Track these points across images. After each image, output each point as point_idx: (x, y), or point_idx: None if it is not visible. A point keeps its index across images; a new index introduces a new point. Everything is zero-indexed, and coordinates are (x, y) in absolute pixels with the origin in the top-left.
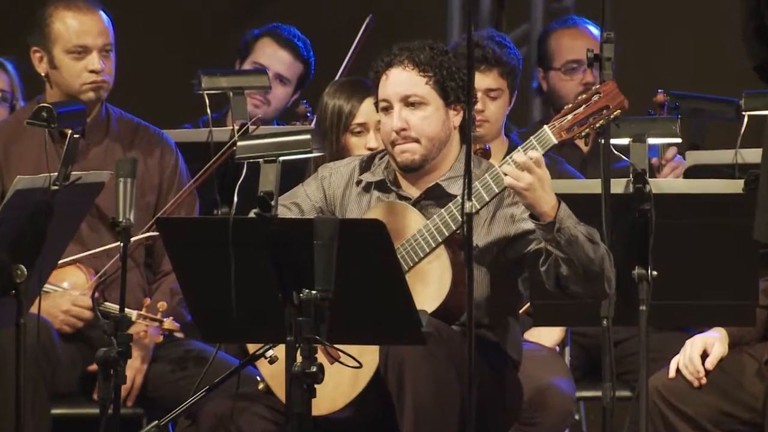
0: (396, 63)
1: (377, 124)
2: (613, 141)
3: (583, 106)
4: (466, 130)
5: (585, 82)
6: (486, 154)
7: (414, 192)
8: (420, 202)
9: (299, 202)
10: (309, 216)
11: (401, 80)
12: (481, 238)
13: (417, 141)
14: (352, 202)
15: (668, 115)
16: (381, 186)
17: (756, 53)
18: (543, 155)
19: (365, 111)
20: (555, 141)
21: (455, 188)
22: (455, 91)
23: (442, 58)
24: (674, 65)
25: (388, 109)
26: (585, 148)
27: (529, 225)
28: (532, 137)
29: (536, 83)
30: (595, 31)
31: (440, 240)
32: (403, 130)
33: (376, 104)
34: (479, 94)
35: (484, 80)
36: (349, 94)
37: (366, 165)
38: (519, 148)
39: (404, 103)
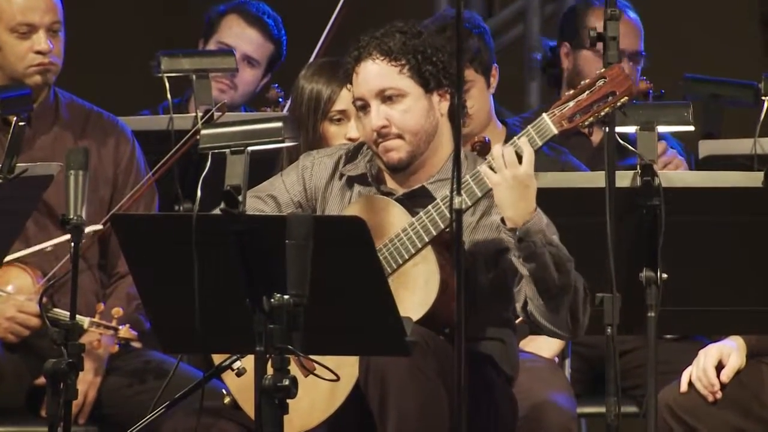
0: (364, 56)
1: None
2: (619, 130)
3: (587, 92)
4: (455, 121)
5: None
6: (485, 147)
7: (398, 188)
8: (402, 203)
9: (276, 195)
10: (286, 211)
11: (373, 74)
12: (471, 241)
13: (401, 137)
14: (334, 197)
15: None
16: (363, 180)
17: None
18: (543, 146)
19: (346, 97)
20: (555, 131)
21: (442, 192)
22: (435, 76)
23: (414, 42)
24: (688, 46)
25: (365, 108)
26: (595, 140)
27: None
28: (529, 126)
29: (541, 56)
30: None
31: (427, 240)
32: (385, 127)
33: (354, 103)
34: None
35: None
36: (329, 77)
37: (352, 155)
38: (515, 138)
39: (381, 99)
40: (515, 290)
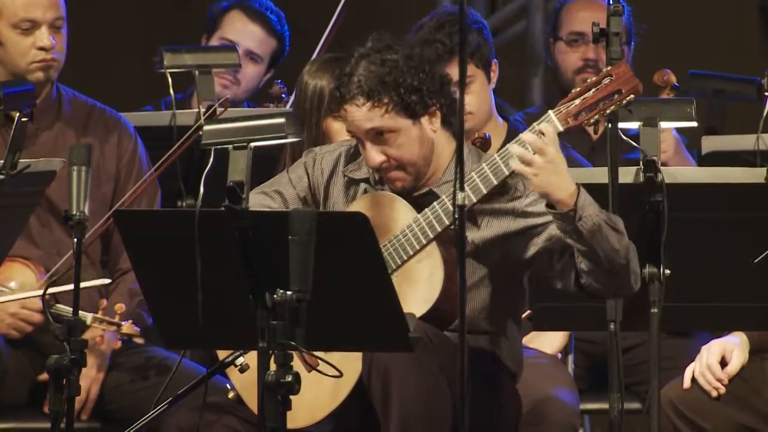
0: (347, 100)
1: None
2: (622, 125)
3: (593, 90)
4: (458, 120)
5: (586, 57)
6: (486, 143)
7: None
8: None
9: (282, 190)
10: (293, 206)
11: (359, 118)
12: (478, 234)
13: (401, 168)
14: (338, 193)
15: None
16: (367, 182)
17: None
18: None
19: None
20: (561, 128)
21: (450, 193)
22: (420, 102)
23: (393, 76)
24: (690, 43)
25: (361, 141)
26: (594, 135)
27: (533, 220)
28: (535, 124)
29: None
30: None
31: (431, 236)
32: (384, 162)
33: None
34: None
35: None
36: (333, 73)
37: (353, 155)
38: (521, 134)
39: (372, 138)
40: (557, 269)
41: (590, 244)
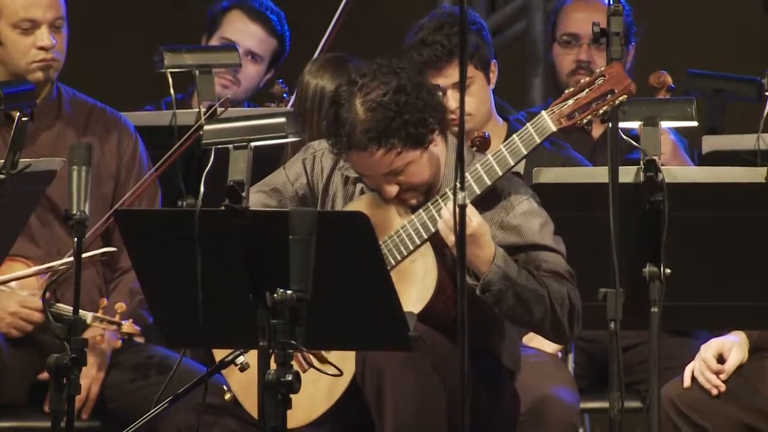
0: (355, 147)
1: None
2: (622, 125)
3: (586, 90)
4: (459, 121)
5: (578, 59)
6: (485, 142)
7: None
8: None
9: (280, 188)
10: (291, 204)
11: (374, 164)
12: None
13: (414, 189)
14: (338, 191)
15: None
16: (362, 181)
17: None
18: (541, 143)
19: None
20: (554, 128)
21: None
22: (426, 131)
23: (399, 116)
24: (690, 42)
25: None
26: (596, 135)
27: (515, 239)
28: (528, 124)
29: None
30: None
31: (425, 236)
32: (400, 191)
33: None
34: (448, 92)
35: (449, 78)
36: (334, 73)
37: None
38: (514, 135)
39: (388, 177)
40: None
41: (498, 308)
